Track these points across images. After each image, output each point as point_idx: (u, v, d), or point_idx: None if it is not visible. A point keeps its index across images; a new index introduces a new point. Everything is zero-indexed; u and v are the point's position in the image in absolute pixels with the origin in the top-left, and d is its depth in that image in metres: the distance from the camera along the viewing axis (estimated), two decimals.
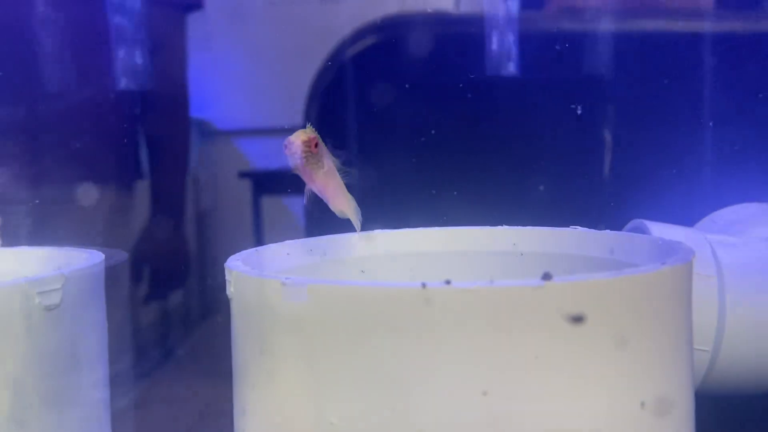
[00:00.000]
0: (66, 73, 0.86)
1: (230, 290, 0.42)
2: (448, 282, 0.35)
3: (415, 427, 0.35)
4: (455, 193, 0.78)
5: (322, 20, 1.03)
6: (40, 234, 0.78)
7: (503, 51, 0.81)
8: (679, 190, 0.76)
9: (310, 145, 0.45)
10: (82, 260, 0.49)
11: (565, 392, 0.35)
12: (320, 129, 0.47)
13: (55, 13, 0.85)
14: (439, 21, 0.88)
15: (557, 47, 0.80)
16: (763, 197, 0.69)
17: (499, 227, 0.54)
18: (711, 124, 0.77)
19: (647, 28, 0.82)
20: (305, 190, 0.48)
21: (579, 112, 0.78)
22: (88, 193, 0.88)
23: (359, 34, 0.86)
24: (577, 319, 0.35)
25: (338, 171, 0.49)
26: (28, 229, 0.77)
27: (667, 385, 0.38)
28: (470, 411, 0.35)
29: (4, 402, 0.42)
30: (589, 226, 0.51)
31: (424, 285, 0.35)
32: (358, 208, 0.51)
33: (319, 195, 0.48)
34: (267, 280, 0.39)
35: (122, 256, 0.76)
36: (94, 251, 0.51)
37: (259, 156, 1.17)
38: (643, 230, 0.61)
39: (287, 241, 0.52)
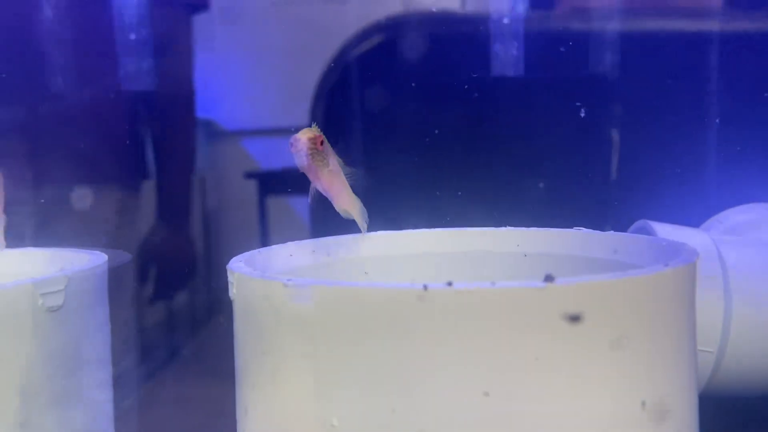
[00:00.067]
0: (72, 74, 0.86)
1: (233, 292, 0.42)
2: (449, 283, 0.35)
3: (416, 427, 0.35)
4: (459, 193, 0.78)
5: (328, 21, 1.03)
6: (45, 235, 0.79)
7: (508, 51, 0.81)
8: (685, 191, 0.76)
9: (315, 143, 0.45)
10: (85, 261, 0.49)
11: (566, 393, 0.35)
12: (326, 129, 0.47)
13: (61, 14, 0.85)
14: (445, 21, 0.88)
15: (566, 47, 0.80)
16: None
17: (503, 228, 0.54)
18: (717, 124, 0.77)
19: (654, 28, 0.82)
20: (310, 189, 0.48)
21: (585, 112, 0.77)
22: (93, 194, 0.88)
23: (364, 35, 0.86)
24: (575, 318, 0.34)
25: (343, 171, 0.49)
26: (34, 230, 0.77)
27: (669, 387, 0.38)
28: (472, 412, 0.34)
29: (8, 403, 0.42)
30: (594, 227, 0.51)
31: (425, 287, 0.35)
32: (364, 209, 0.51)
33: (324, 194, 0.48)
34: (269, 281, 0.39)
35: (125, 257, 0.76)
36: (97, 252, 0.51)
37: (264, 156, 1.17)
38: (648, 231, 0.61)
39: (290, 243, 0.52)
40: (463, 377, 0.34)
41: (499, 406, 0.34)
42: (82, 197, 0.86)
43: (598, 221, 0.53)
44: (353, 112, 0.85)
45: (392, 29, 0.86)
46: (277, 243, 0.52)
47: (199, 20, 1.00)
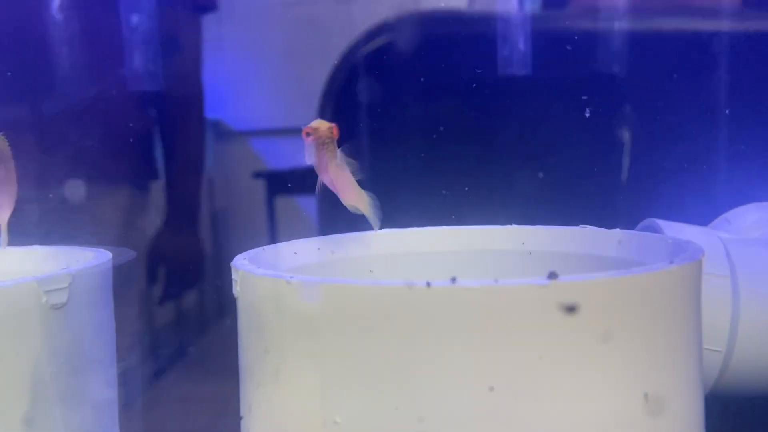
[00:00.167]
0: (81, 75, 0.87)
1: (236, 289, 0.42)
2: (453, 280, 0.34)
3: (420, 425, 0.35)
4: (466, 188, 0.78)
5: (336, 21, 1.03)
6: (53, 233, 0.79)
7: (517, 50, 0.81)
8: (694, 190, 0.75)
9: (332, 131, 0.46)
10: (90, 259, 0.49)
11: (570, 389, 0.35)
12: (339, 127, 0.47)
13: (70, 14, 0.86)
14: (453, 19, 0.88)
15: (576, 46, 0.80)
16: None
17: (508, 226, 0.53)
18: (726, 123, 0.77)
19: (663, 28, 0.82)
20: (317, 183, 0.49)
21: (594, 111, 0.77)
22: (102, 194, 0.89)
23: (372, 34, 0.86)
24: (571, 309, 0.34)
25: (349, 168, 0.49)
26: (42, 229, 0.77)
27: (674, 385, 0.38)
28: (476, 408, 0.34)
29: (12, 400, 0.42)
30: (602, 226, 0.51)
31: (428, 284, 0.34)
32: (378, 205, 0.51)
33: (331, 188, 0.48)
34: (272, 278, 0.39)
35: (130, 254, 0.76)
36: (102, 250, 0.51)
37: (273, 156, 1.17)
38: (655, 229, 0.60)
39: (295, 240, 0.52)
40: (467, 374, 0.34)
41: (504, 401, 0.34)
42: (91, 196, 0.86)
43: (605, 220, 0.52)
44: (361, 111, 0.85)
45: (400, 28, 0.86)
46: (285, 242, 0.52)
47: (208, 21, 1.00)
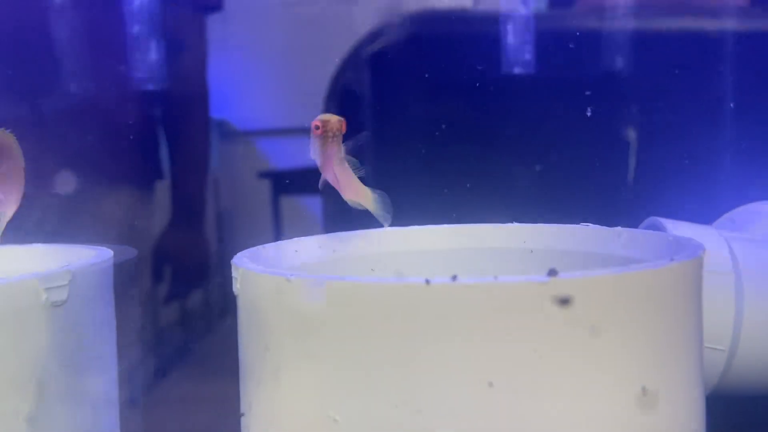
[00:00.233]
0: (86, 74, 0.87)
1: (236, 287, 0.42)
2: (454, 278, 0.34)
3: (420, 422, 0.35)
4: (468, 185, 0.77)
5: (340, 20, 1.03)
6: (57, 233, 0.79)
7: (519, 49, 0.81)
8: (698, 188, 0.75)
9: (341, 124, 0.47)
10: (91, 257, 0.49)
11: (569, 386, 0.35)
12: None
13: (75, 13, 0.86)
14: (458, 18, 0.88)
15: (582, 45, 0.79)
16: None
17: (510, 224, 0.53)
18: (730, 121, 0.76)
19: (668, 27, 0.82)
20: (321, 180, 0.49)
21: (598, 109, 0.77)
22: (107, 194, 0.89)
23: (377, 33, 0.86)
24: (564, 302, 0.34)
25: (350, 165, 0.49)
26: (46, 228, 0.78)
27: (674, 382, 0.37)
28: (475, 405, 0.34)
29: (12, 398, 0.42)
30: (606, 224, 0.51)
31: (427, 281, 0.34)
32: (388, 200, 0.51)
33: (333, 184, 0.49)
34: (272, 276, 0.39)
35: (131, 252, 0.76)
36: (103, 248, 0.51)
37: (278, 156, 1.17)
38: (658, 228, 0.60)
39: (296, 238, 0.52)
40: (466, 371, 0.34)
41: (504, 397, 0.34)
42: (96, 196, 0.87)
43: (609, 218, 0.52)
44: (365, 110, 0.85)
45: (405, 27, 0.86)
46: None
47: (213, 20, 1.00)
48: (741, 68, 0.77)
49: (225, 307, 1.03)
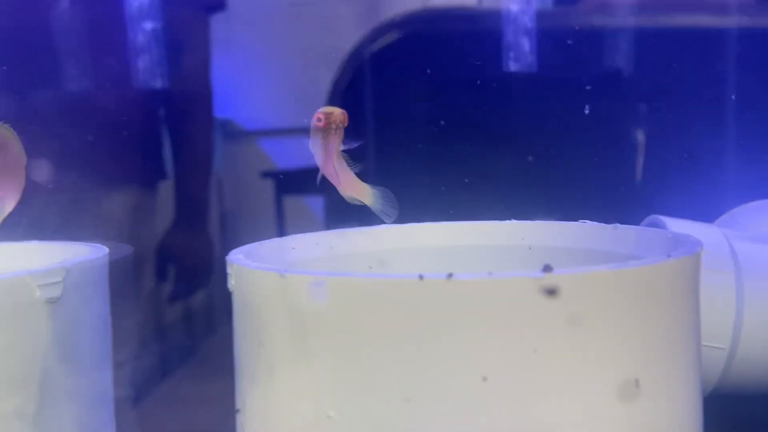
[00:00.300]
0: (90, 74, 0.87)
1: (231, 283, 0.42)
2: (450, 275, 0.34)
3: (415, 418, 0.35)
4: (467, 180, 0.77)
5: (346, 19, 1.03)
6: (60, 232, 0.79)
7: (523, 46, 0.80)
8: (700, 186, 0.75)
9: (345, 116, 0.47)
10: (86, 254, 0.49)
11: (563, 382, 0.34)
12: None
13: (78, 13, 0.86)
14: (461, 17, 0.87)
15: (586, 43, 0.79)
16: None
17: (508, 221, 0.53)
18: (733, 119, 0.76)
19: (672, 24, 0.81)
20: (318, 175, 0.49)
21: (598, 108, 0.77)
22: (110, 193, 0.89)
23: (379, 32, 0.86)
24: (551, 292, 0.34)
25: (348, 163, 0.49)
26: (49, 228, 0.78)
27: (671, 379, 0.37)
28: (470, 399, 0.34)
29: (5, 395, 0.42)
30: (607, 222, 0.51)
31: (421, 277, 0.34)
32: (392, 196, 0.51)
33: (330, 180, 0.48)
34: (265, 272, 0.39)
35: (127, 249, 0.76)
36: (98, 245, 0.51)
37: (282, 156, 1.17)
38: (659, 226, 0.60)
39: (293, 235, 0.52)
40: (461, 366, 0.34)
41: (498, 392, 0.34)
42: (99, 195, 0.87)
43: (610, 216, 0.52)
44: (368, 109, 0.85)
45: (407, 26, 0.86)
46: None
47: (217, 20, 1.00)
48: (744, 66, 0.77)
49: (228, 306, 1.03)
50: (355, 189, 0.49)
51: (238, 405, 0.42)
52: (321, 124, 0.47)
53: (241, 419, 0.42)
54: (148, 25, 0.90)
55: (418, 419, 0.35)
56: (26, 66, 0.83)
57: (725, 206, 0.66)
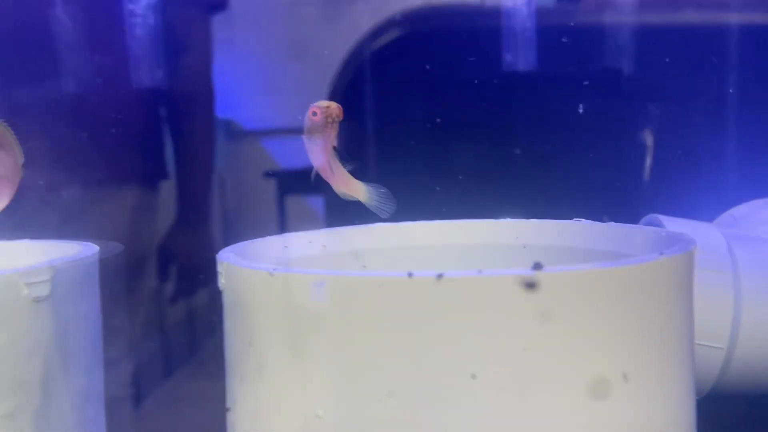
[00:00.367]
0: (92, 74, 0.87)
1: (221, 282, 0.42)
2: (439, 274, 0.34)
3: (404, 416, 0.34)
4: (461, 177, 0.77)
5: (345, 19, 1.03)
6: (62, 231, 0.79)
7: (524, 44, 0.80)
8: (700, 185, 0.74)
9: (340, 110, 0.47)
10: (75, 252, 0.49)
11: (552, 380, 0.34)
12: (342, 124, 0.47)
13: (80, 13, 0.86)
14: (462, 14, 0.87)
15: (584, 41, 0.79)
16: None
17: (502, 220, 0.53)
18: (733, 117, 0.76)
19: (672, 22, 0.81)
20: (312, 172, 0.48)
21: (599, 107, 0.76)
22: (113, 193, 0.89)
23: (380, 30, 0.86)
24: (530, 285, 0.34)
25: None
26: (50, 227, 0.78)
27: (666, 378, 0.37)
28: (459, 396, 0.34)
29: None
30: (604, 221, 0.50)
31: (410, 274, 0.34)
32: (390, 194, 0.50)
33: (323, 175, 0.48)
34: (255, 270, 0.38)
35: (118, 247, 0.76)
36: (89, 243, 0.51)
37: (284, 156, 1.17)
38: (657, 225, 0.59)
39: (285, 234, 0.52)
40: (450, 363, 0.34)
41: (487, 389, 0.34)
42: (101, 195, 0.87)
43: (610, 216, 0.52)
44: (368, 107, 0.84)
45: (408, 24, 0.86)
46: None
47: (219, 20, 1.00)
48: (745, 64, 0.76)
49: None
50: (348, 186, 0.49)
51: (229, 404, 0.42)
52: (317, 118, 0.47)
53: (231, 418, 0.42)
54: (151, 26, 0.90)
55: (408, 417, 0.34)
56: (27, 64, 0.83)
57: (725, 206, 0.66)
